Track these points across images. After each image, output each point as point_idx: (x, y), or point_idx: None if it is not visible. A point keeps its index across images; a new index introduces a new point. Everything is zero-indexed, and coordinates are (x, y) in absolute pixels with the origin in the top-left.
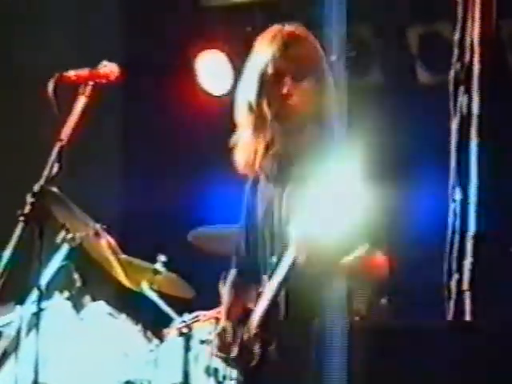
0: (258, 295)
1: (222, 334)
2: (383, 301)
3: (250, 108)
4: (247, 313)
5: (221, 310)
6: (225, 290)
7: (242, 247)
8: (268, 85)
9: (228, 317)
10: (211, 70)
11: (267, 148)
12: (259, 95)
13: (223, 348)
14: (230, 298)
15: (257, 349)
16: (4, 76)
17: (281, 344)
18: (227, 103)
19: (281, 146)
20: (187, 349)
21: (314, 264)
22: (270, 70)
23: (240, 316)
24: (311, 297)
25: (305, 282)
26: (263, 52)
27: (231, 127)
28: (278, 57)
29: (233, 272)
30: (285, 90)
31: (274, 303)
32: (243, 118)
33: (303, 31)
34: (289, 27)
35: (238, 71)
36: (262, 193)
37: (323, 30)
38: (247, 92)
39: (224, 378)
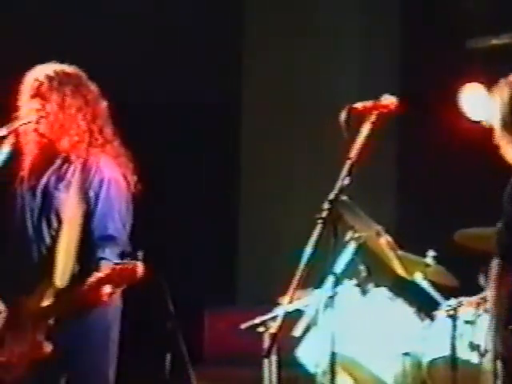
0: None
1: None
2: None
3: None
4: None
5: (482, 297)
6: (487, 281)
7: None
8: None
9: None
10: (473, 99)
11: None
12: None
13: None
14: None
15: None
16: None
17: None
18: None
19: None
20: (454, 327)
21: None
22: None
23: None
24: None
25: None
26: None
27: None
28: None
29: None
30: None
31: None
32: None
33: None
34: None
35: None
36: None
37: None
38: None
39: (486, 351)
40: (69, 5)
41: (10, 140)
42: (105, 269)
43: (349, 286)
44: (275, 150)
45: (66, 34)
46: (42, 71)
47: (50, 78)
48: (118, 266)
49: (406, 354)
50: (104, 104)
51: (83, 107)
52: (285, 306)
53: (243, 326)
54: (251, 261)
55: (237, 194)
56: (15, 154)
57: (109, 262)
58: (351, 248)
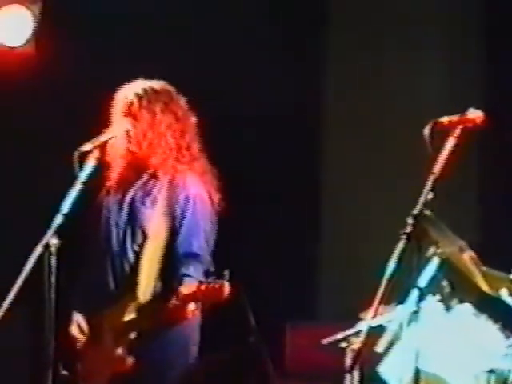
0: None
1: None
2: None
3: None
4: None
5: None
6: None
7: None
8: None
9: None
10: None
11: None
12: None
13: None
14: None
15: None
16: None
17: None
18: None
19: None
20: None
21: None
22: None
23: None
24: None
25: None
26: None
27: None
28: None
29: None
30: None
31: None
32: None
33: None
34: None
35: None
36: None
37: None
38: None
39: None
40: (157, 21)
41: (95, 154)
42: (190, 286)
43: (432, 302)
44: (355, 166)
45: (154, 51)
46: (131, 89)
47: (139, 97)
48: (204, 285)
49: (491, 371)
50: (193, 119)
51: (173, 124)
52: (368, 321)
53: (325, 341)
54: (333, 275)
55: (318, 208)
56: (100, 169)
57: (193, 279)
58: (434, 263)
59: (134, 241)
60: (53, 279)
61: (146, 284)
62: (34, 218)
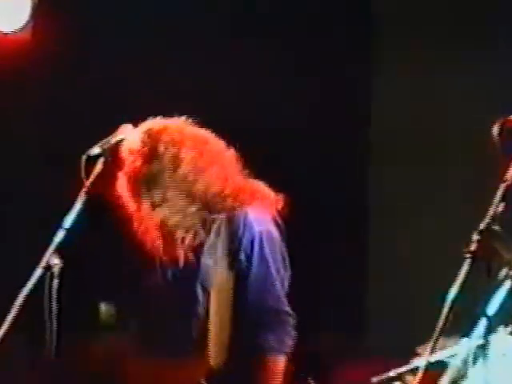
0: None
1: None
2: None
3: None
4: None
5: None
6: None
7: None
8: None
9: None
10: None
11: None
12: None
13: None
14: None
15: None
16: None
17: None
18: None
19: None
20: None
21: None
22: None
23: None
24: None
25: None
26: None
27: None
28: None
29: None
30: None
31: None
32: None
33: None
34: None
35: None
36: None
37: None
38: None
39: None
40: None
41: (105, 159)
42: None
43: (503, 334)
44: (405, 181)
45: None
46: (167, 135)
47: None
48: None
49: None
50: (231, 152)
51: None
52: (426, 356)
53: (375, 379)
54: (385, 304)
55: (366, 231)
56: (110, 176)
57: (275, 352)
58: (506, 288)
59: (195, 298)
60: (54, 306)
61: (218, 347)
62: (30, 233)
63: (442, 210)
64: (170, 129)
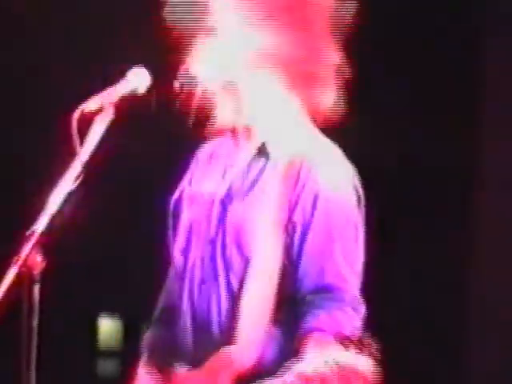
0: None
1: None
2: None
3: None
4: None
5: None
6: None
7: None
8: None
9: None
10: None
11: None
12: None
13: None
14: None
15: None
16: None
17: None
18: None
19: None
20: None
21: None
22: None
23: None
24: None
25: None
26: None
27: None
28: None
29: None
30: None
31: None
32: None
33: None
34: None
35: None
36: None
37: None
38: None
39: None
40: None
41: (106, 116)
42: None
43: None
44: None
45: None
46: None
47: None
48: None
49: None
50: None
51: None
52: None
53: None
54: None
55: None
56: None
57: (325, 334)
58: None
59: (228, 268)
60: (34, 320)
61: (249, 339)
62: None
63: None
64: None
